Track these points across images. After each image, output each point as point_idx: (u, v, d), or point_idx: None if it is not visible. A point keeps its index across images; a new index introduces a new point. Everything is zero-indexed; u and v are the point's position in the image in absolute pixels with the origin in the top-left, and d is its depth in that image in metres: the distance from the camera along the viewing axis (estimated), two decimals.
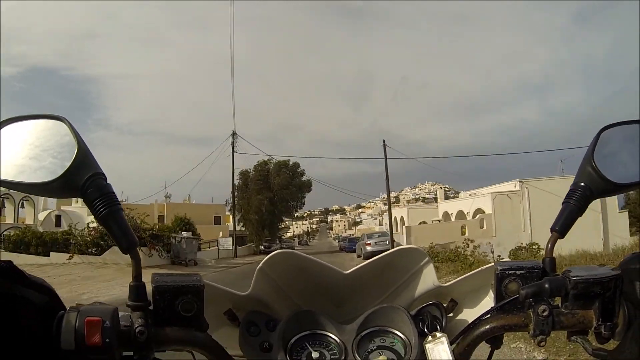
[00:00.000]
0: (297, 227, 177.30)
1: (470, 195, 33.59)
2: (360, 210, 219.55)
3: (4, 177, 0.52)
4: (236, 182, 37.87)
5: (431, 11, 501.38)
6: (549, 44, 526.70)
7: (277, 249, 2.83)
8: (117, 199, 0.55)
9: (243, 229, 39.31)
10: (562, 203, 0.63)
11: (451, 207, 33.68)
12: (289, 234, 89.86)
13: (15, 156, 0.54)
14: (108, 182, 0.56)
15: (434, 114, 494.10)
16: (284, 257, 0.71)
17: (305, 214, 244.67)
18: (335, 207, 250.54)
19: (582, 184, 0.62)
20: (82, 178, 0.53)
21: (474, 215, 28.00)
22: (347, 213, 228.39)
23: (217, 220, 44.81)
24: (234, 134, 33.05)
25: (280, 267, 0.73)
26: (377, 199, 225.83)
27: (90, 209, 0.54)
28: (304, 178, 41.21)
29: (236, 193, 37.39)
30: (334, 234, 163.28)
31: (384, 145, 27.12)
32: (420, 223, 30.97)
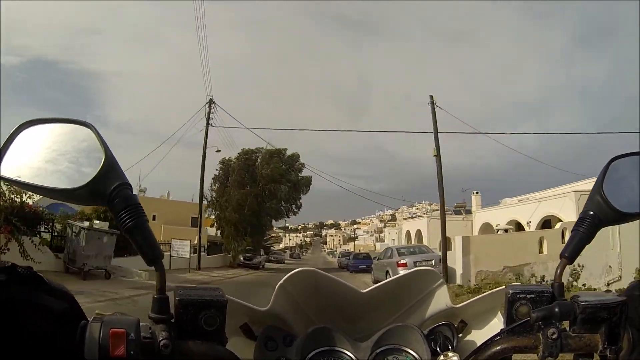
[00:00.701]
0: (289, 239, 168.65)
1: (520, 201, 24.13)
2: (355, 226, 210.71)
3: (29, 180, 0.52)
4: (216, 172, 30.07)
5: (431, 28, 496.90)
6: (547, 65, 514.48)
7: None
8: (143, 210, 0.55)
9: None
10: (572, 230, 0.66)
11: (495, 216, 24.15)
12: (281, 246, 79.54)
13: (39, 160, 0.53)
14: (132, 192, 0.56)
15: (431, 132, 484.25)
16: (305, 274, 0.73)
17: (300, 227, 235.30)
18: (330, 221, 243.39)
19: (592, 212, 0.64)
20: (109, 187, 0.53)
21: (542, 225, 18.79)
22: (342, 228, 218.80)
23: (195, 222, 36.26)
24: (210, 103, 23.78)
25: (300, 284, 0.74)
26: (372, 216, 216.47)
27: (116, 219, 0.54)
28: (303, 175, 31.73)
29: (213, 186, 29.28)
30: (328, 249, 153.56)
31: (432, 102, 17.86)
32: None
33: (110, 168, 0.54)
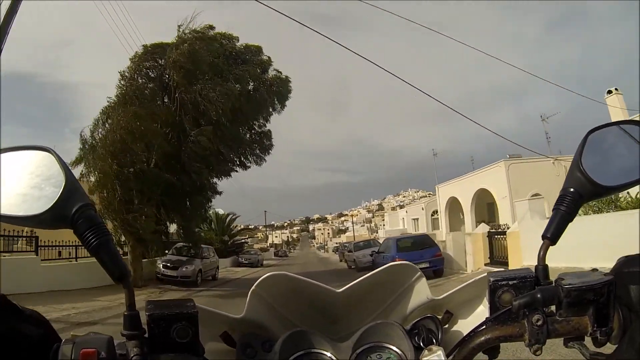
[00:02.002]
0: (275, 237, 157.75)
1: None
2: (342, 218, 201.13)
3: None
4: (111, 98, 13.45)
5: (406, 20, 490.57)
6: (523, 51, 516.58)
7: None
8: (106, 229, 0.56)
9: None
10: (552, 210, 0.63)
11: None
12: (264, 245, 67.17)
13: (2, 189, 0.54)
14: (96, 212, 0.57)
15: (411, 121, 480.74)
16: (276, 278, 0.71)
17: (285, 224, 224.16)
18: (316, 215, 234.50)
19: (572, 189, 0.62)
20: (71, 209, 0.54)
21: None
22: (330, 222, 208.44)
23: None
24: None
25: (273, 289, 0.73)
26: (359, 207, 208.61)
27: (80, 239, 0.55)
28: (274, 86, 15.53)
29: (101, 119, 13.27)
30: (317, 243, 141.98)
31: None
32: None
33: (72, 191, 0.54)
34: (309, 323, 0.75)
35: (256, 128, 16.21)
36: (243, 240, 37.22)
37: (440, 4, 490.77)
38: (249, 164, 16.52)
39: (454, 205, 25.27)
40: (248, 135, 16.07)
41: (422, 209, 30.71)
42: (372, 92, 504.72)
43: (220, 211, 33.21)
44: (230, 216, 34.30)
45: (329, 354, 0.72)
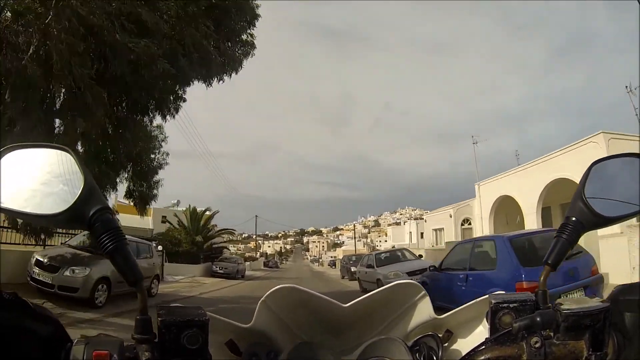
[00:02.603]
0: (268, 247, 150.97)
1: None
2: (337, 232, 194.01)
3: (9, 206, 0.52)
4: None
5: (411, 39, 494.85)
6: (526, 77, 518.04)
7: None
8: (123, 233, 0.57)
9: None
10: (554, 237, 0.66)
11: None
12: (253, 254, 59.74)
13: (19, 185, 0.54)
14: (113, 216, 0.57)
15: (413, 141, 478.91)
16: (286, 291, 0.73)
17: (280, 234, 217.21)
18: (311, 228, 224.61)
19: (574, 218, 0.64)
20: (89, 211, 0.54)
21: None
22: (325, 234, 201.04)
23: None
24: None
25: (282, 301, 0.75)
26: (355, 222, 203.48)
27: (96, 242, 0.55)
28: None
29: None
30: (311, 256, 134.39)
31: None
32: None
33: (90, 193, 0.55)
34: (314, 336, 0.77)
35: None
36: (222, 245, 29.77)
37: (447, 26, 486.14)
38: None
39: (505, 207, 18.48)
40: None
41: (450, 216, 23.78)
42: (375, 109, 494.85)
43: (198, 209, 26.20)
44: (206, 212, 27.00)
45: None
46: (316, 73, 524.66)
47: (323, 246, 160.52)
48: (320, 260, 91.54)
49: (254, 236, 50.04)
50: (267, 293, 0.72)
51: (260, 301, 0.73)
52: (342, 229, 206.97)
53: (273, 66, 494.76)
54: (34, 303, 0.50)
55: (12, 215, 0.54)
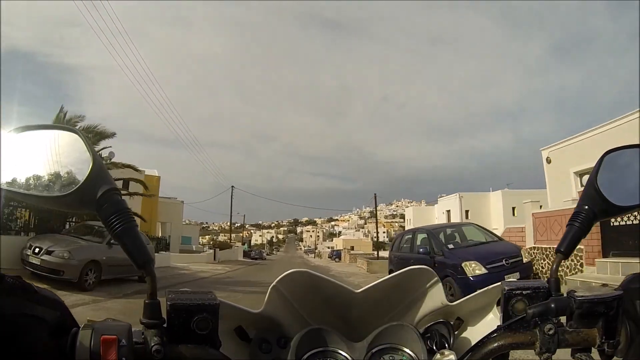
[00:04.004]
0: (260, 236, 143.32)
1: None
2: (332, 222, 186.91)
3: (18, 188, 0.52)
4: None
5: (410, 32, 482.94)
6: (524, 73, 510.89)
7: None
8: (132, 215, 0.55)
9: None
10: (567, 225, 0.66)
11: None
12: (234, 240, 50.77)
13: (27, 167, 0.53)
14: (122, 197, 0.56)
15: (408, 134, 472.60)
16: (298, 275, 0.72)
17: (272, 224, 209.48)
18: (305, 219, 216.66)
19: (586, 206, 0.64)
20: (98, 193, 0.53)
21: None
22: (319, 225, 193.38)
23: None
24: None
25: (293, 286, 0.73)
26: (350, 213, 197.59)
27: (104, 224, 0.54)
28: None
29: None
30: (305, 246, 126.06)
31: None
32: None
33: (99, 174, 0.53)
34: (325, 321, 0.76)
35: None
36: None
37: (446, 20, 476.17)
38: None
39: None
40: None
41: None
42: (372, 102, 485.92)
43: None
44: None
45: (343, 353, 0.73)
46: (314, 64, 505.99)
47: (318, 236, 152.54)
48: (317, 251, 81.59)
49: (230, 214, 40.04)
50: (279, 278, 0.70)
51: (271, 286, 0.71)
52: (337, 219, 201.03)
53: (270, 56, 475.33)
54: (39, 287, 0.48)
55: (21, 198, 0.52)
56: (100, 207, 0.52)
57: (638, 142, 0.67)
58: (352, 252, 43.72)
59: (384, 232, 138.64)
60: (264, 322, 0.73)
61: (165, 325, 0.54)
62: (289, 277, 0.71)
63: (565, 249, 0.63)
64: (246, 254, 43.48)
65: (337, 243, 78.37)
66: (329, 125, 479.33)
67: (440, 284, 0.76)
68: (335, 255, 48.47)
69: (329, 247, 79.68)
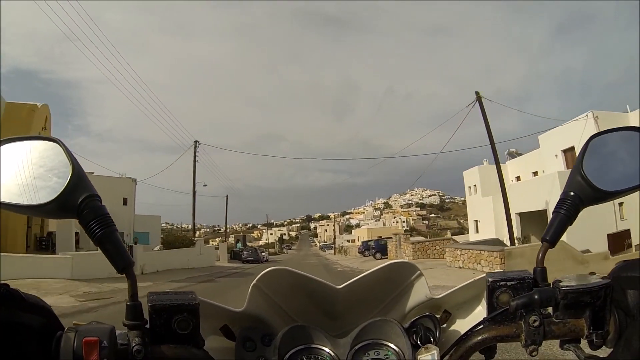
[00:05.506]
0: (271, 234, 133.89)
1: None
2: (347, 216, 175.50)
3: (2, 199, 0.53)
4: None
5: (411, 23, 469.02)
6: (528, 57, 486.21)
7: None
8: (111, 220, 0.57)
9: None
10: (552, 212, 0.64)
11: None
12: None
13: (10, 178, 0.55)
14: (102, 203, 0.58)
15: (416, 124, 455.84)
16: (278, 273, 0.72)
17: (285, 222, 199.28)
18: (317, 214, 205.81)
19: (572, 193, 0.62)
20: (77, 199, 0.55)
21: None
22: (333, 219, 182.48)
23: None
24: None
25: (274, 283, 0.74)
26: (364, 205, 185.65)
27: (85, 230, 0.56)
28: None
29: None
30: (320, 242, 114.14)
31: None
32: None
33: (78, 181, 0.55)
34: (308, 318, 0.76)
35: None
36: None
37: (446, 8, 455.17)
38: None
39: None
40: None
41: None
42: (378, 94, 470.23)
43: None
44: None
45: (327, 350, 0.73)
46: (318, 61, 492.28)
47: (333, 229, 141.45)
48: (336, 246, 62.72)
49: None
50: (259, 276, 0.71)
51: (252, 285, 0.71)
52: (351, 212, 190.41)
53: (274, 56, 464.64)
54: (26, 294, 0.50)
55: (4, 208, 0.53)
56: (81, 213, 0.54)
57: (623, 126, 0.64)
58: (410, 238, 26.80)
59: (403, 221, 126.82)
60: (247, 320, 0.73)
61: (147, 326, 0.55)
62: (268, 275, 0.71)
63: (551, 237, 0.61)
64: (236, 255, 34.78)
65: (360, 234, 66.76)
66: (337, 121, 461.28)
67: (424, 278, 0.75)
68: (377, 249, 30.53)
69: (347, 241, 68.04)
